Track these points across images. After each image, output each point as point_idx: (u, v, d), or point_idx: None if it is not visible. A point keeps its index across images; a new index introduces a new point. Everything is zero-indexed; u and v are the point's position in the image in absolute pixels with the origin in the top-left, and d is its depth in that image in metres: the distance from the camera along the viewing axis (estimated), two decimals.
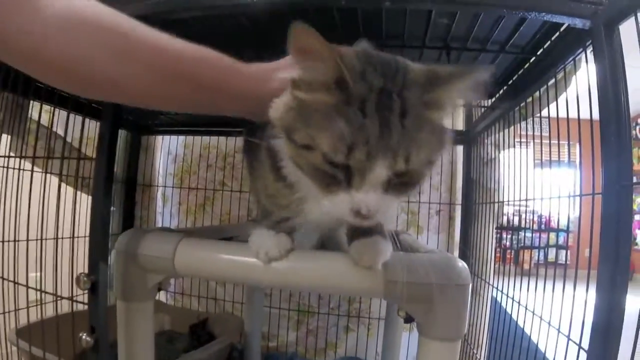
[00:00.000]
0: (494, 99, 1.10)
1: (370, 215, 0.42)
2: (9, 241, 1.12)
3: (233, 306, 1.57)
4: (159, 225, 1.70)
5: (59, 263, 0.99)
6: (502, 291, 1.16)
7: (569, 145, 0.91)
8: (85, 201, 0.96)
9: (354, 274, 0.55)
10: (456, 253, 1.47)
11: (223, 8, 0.68)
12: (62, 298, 1.01)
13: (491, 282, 1.28)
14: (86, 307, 0.76)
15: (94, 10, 0.48)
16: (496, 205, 1.30)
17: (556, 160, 1.38)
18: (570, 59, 0.74)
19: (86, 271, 0.72)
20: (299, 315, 1.54)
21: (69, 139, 1.15)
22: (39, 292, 1.07)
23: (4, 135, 1.17)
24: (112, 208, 1.57)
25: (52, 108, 1.11)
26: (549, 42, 0.77)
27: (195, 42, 0.52)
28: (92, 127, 1.17)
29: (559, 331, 0.79)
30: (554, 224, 4.47)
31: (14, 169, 1.15)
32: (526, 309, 0.98)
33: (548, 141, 1.11)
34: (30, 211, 1.02)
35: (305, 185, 0.50)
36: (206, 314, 1.46)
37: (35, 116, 1.20)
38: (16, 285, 1.10)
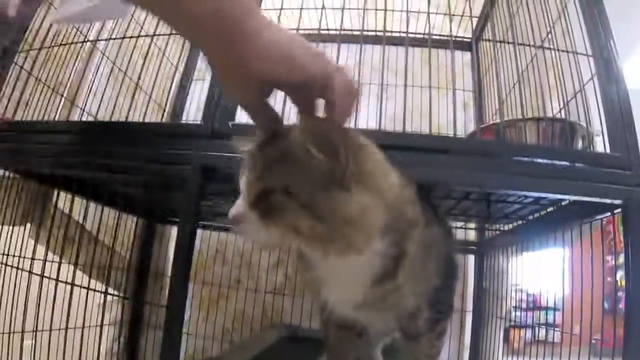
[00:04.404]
0: (512, 225, 1.19)
1: (234, 221, 0.48)
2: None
3: None
4: None
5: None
6: None
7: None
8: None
9: None
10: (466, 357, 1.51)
11: None
12: None
13: None
14: None
15: None
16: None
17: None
18: (598, 217, 0.84)
19: None
20: None
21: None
22: None
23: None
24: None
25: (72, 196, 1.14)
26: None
27: None
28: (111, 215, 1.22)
29: None
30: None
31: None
32: None
33: None
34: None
35: (319, 265, 0.54)
36: None
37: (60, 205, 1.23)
38: None
